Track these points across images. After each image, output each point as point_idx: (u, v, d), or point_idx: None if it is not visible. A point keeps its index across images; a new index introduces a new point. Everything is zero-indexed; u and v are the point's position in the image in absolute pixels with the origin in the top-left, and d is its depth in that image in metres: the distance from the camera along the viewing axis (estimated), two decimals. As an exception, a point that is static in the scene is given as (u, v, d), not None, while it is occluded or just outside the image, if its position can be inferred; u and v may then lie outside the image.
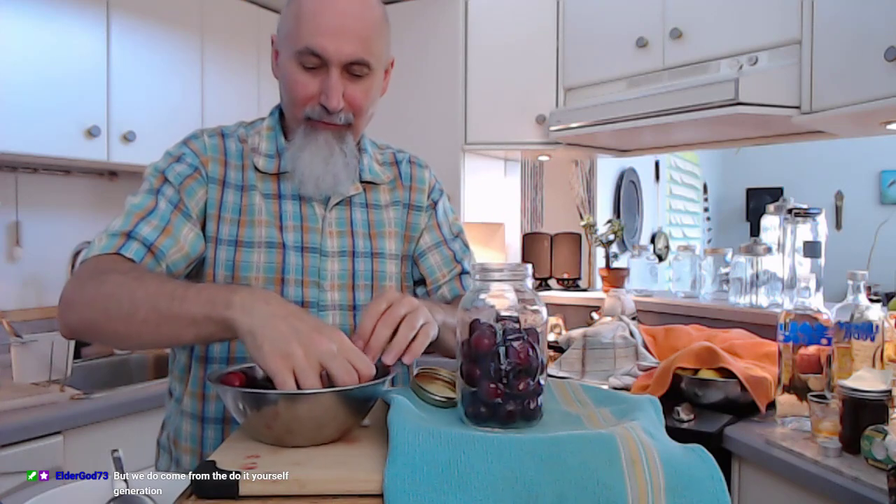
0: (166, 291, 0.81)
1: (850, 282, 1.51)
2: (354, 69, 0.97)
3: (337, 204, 1.05)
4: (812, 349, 1.48)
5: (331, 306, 1.02)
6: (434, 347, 0.89)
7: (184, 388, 1.04)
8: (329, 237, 1.04)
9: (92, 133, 2.01)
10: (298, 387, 0.69)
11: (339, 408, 0.70)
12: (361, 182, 1.08)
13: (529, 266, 0.73)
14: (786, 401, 1.53)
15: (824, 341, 1.47)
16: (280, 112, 1.09)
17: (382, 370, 0.78)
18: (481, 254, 2.92)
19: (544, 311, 0.71)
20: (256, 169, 1.03)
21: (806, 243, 1.74)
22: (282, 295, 0.99)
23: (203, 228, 1.00)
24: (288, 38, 0.98)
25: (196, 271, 1.01)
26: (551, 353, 2.23)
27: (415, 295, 1.13)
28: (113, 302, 0.83)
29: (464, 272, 1.13)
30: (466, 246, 1.17)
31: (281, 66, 1.01)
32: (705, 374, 1.74)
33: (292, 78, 0.98)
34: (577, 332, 2.26)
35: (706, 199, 5.36)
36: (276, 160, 1.04)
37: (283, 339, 0.71)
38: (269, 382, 0.75)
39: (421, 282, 1.13)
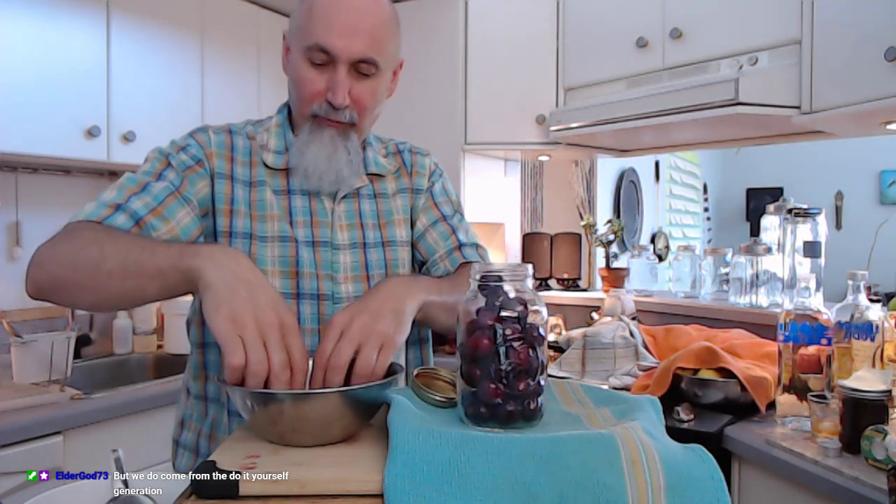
0: (138, 245, 0.81)
1: (850, 282, 1.51)
2: (362, 68, 0.97)
3: (345, 197, 1.06)
4: (812, 349, 1.48)
5: (345, 298, 1.03)
6: (426, 324, 0.92)
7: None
8: (339, 230, 1.04)
9: (92, 133, 2.01)
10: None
11: (346, 408, 0.70)
12: (368, 175, 1.09)
13: (530, 266, 0.73)
14: (786, 401, 1.53)
15: (824, 341, 1.47)
16: (289, 109, 1.09)
17: (389, 371, 0.78)
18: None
19: (544, 311, 0.71)
20: (265, 165, 1.04)
21: (806, 243, 1.74)
22: (297, 288, 1.00)
23: (214, 224, 1.00)
24: (299, 34, 0.98)
25: None
26: (551, 353, 2.23)
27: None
28: (81, 254, 0.81)
29: (461, 245, 1.11)
30: (463, 217, 1.16)
31: (291, 62, 1.01)
32: (705, 374, 1.74)
33: (300, 74, 0.98)
34: (577, 332, 2.26)
35: (706, 199, 5.36)
36: (285, 156, 1.04)
37: (241, 307, 0.70)
38: None
39: (422, 262, 1.13)
